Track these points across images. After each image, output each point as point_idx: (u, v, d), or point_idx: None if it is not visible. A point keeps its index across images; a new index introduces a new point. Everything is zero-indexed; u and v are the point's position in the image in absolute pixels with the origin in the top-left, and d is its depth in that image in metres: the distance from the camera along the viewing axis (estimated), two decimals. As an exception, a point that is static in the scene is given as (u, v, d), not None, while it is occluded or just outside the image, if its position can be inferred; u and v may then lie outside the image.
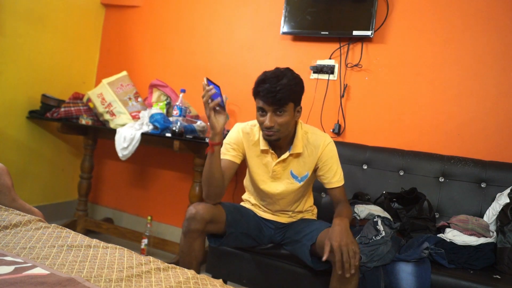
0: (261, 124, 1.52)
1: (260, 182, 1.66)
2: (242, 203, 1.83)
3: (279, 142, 1.57)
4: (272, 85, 1.43)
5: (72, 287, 0.73)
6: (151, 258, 0.98)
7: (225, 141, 1.64)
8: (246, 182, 1.80)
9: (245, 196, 1.84)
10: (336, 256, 1.33)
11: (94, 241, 1.03)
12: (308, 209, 1.79)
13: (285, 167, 1.64)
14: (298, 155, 1.62)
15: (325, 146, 1.61)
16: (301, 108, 1.58)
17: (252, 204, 1.78)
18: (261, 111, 1.50)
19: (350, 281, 1.45)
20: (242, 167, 1.75)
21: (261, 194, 1.70)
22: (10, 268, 0.77)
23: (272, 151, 1.62)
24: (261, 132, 1.61)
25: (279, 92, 1.42)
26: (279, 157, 1.62)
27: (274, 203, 1.70)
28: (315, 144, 1.61)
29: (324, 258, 1.35)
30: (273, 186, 1.65)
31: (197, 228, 1.49)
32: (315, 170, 1.65)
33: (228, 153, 1.62)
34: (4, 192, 1.34)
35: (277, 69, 1.51)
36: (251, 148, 1.65)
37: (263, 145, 1.61)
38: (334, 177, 1.61)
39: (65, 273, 0.81)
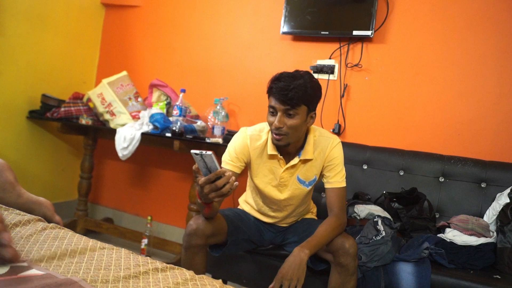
0: (270, 124, 1.45)
1: (266, 189, 1.60)
2: (239, 206, 1.81)
3: (288, 148, 1.51)
4: (286, 84, 1.37)
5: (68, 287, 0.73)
6: (149, 259, 0.97)
7: (229, 147, 1.56)
8: (250, 186, 1.73)
9: (245, 198, 1.79)
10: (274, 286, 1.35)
11: (92, 242, 1.03)
12: (309, 209, 1.79)
13: (292, 173, 1.57)
14: (307, 161, 1.56)
15: (332, 147, 1.55)
16: (315, 114, 1.49)
17: (252, 208, 1.73)
18: (272, 110, 1.43)
19: (349, 281, 1.46)
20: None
21: (267, 200, 1.64)
22: (5, 269, 0.76)
23: (281, 157, 1.54)
24: (269, 136, 1.54)
25: (291, 90, 1.36)
26: (287, 163, 1.55)
27: (281, 209, 1.65)
28: (323, 146, 1.55)
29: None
30: (280, 192, 1.60)
31: (198, 243, 1.45)
32: (321, 171, 1.59)
33: (230, 162, 1.53)
34: (8, 189, 1.29)
35: (296, 71, 1.45)
36: (258, 155, 1.57)
37: (271, 149, 1.53)
38: (335, 176, 1.54)
39: (61, 274, 0.81)
